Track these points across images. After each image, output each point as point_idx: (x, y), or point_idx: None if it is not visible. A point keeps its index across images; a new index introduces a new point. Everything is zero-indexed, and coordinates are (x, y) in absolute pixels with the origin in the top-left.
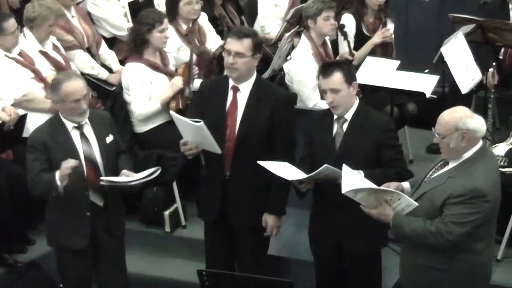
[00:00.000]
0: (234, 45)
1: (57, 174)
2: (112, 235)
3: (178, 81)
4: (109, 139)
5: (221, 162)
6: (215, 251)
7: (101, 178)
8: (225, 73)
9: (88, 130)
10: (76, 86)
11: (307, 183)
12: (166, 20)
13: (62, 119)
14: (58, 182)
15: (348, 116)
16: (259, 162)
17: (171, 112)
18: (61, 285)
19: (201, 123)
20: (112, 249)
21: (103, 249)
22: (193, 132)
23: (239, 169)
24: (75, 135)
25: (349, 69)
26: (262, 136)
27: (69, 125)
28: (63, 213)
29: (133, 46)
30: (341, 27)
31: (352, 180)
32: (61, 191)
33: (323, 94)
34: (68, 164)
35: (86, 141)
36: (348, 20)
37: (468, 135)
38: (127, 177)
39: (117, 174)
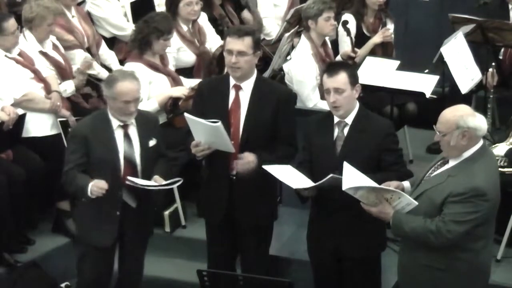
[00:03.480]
0: (236, 44)
1: (89, 187)
2: (138, 236)
3: (182, 90)
4: (152, 142)
5: (226, 162)
6: (218, 250)
7: (128, 178)
8: (225, 72)
9: (133, 131)
10: (130, 88)
11: (311, 190)
12: (174, 30)
13: (109, 116)
14: (89, 194)
15: (349, 120)
16: (264, 167)
17: (186, 114)
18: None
19: (219, 123)
20: (136, 250)
21: (129, 248)
22: (208, 133)
23: None
24: (118, 134)
25: (354, 70)
26: (267, 133)
27: (115, 123)
28: (93, 209)
29: (137, 45)
30: (344, 23)
31: (353, 177)
32: (89, 199)
33: (326, 93)
34: (100, 187)
35: (129, 142)
36: (349, 20)
37: (468, 133)
38: (149, 181)
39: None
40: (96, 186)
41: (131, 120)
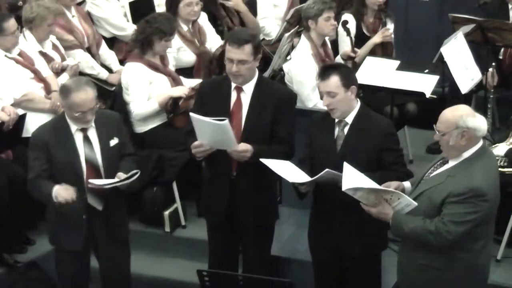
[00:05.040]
0: (236, 53)
1: (54, 192)
2: (112, 238)
3: (182, 90)
4: (114, 142)
5: (227, 162)
6: (219, 250)
7: (89, 180)
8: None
9: (92, 133)
10: (84, 99)
11: (308, 185)
12: (176, 31)
13: (68, 120)
14: (54, 200)
15: (349, 119)
16: (262, 160)
17: (191, 114)
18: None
19: (226, 121)
20: (112, 252)
21: (103, 251)
22: (214, 131)
23: (246, 168)
24: (78, 138)
25: (348, 73)
26: (267, 134)
27: (73, 127)
28: (61, 214)
29: (138, 45)
30: (344, 23)
31: (353, 178)
32: (56, 206)
33: (320, 96)
34: (67, 195)
35: (89, 144)
36: (349, 20)
37: (468, 134)
38: (110, 180)
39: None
40: (62, 191)
41: (91, 123)
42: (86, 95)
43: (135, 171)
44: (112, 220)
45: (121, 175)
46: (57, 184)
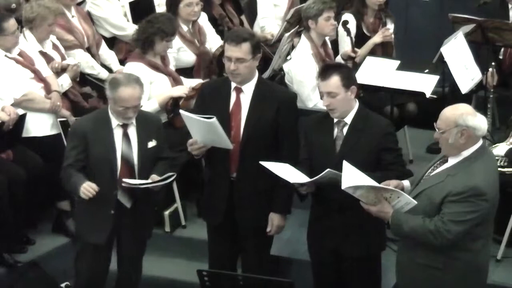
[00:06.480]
0: (234, 51)
1: (81, 188)
2: (135, 236)
3: (183, 90)
4: (152, 143)
5: (226, 163)
6: (219, 251)
7: (123, 180)
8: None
9: (132, 131)
10: (130, 94)
11: (309, 186)
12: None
13: (109, 114)
14: (81, 194)
15: (348, 119)
16: (262, 163)
17: (181, 111)
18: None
19: (214, 119)
20: (133, 251)
21: (126, 249)
22: (204, 129)
23: (246, 169)
24: (117, 133)
25: (348, 73)
26: (267, 136)
27: (114, 122)
28: (89, 206)
29: (139, 45)
30: (344, 23)
31: (353, 176)
32: (81, 199)
33: (320, 96)
34: (89, 189)
35: (127, 141)
36: (349, 20)
37: (467, 132)
38: (144, 180)
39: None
40: (85, 188)
41: (131, 120)
42: (133, 91)
43: (170, 173)
44: (138, 219)
45: (155, 177)
46: (87, 180)
